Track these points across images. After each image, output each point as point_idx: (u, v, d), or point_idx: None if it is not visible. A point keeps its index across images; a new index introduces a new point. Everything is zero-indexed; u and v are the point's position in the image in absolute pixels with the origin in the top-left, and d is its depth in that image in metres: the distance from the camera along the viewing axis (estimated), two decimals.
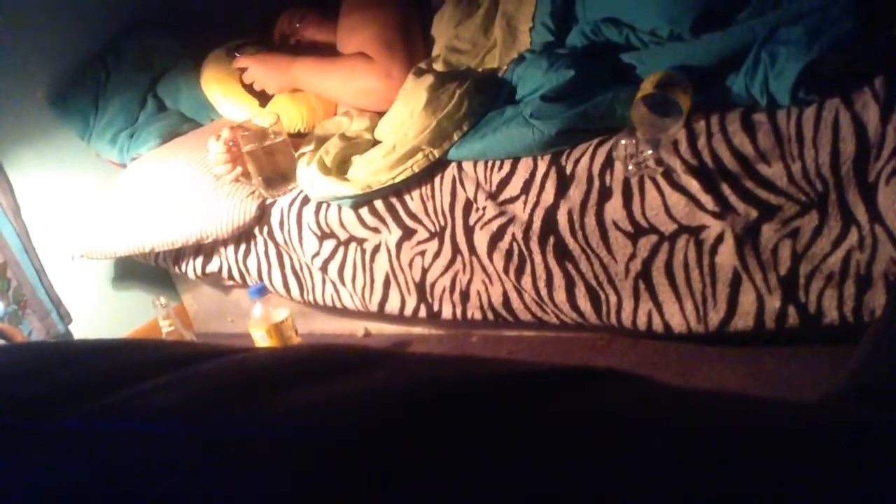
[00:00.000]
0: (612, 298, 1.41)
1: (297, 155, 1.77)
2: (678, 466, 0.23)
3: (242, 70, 1.92)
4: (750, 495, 0.21)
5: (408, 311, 1.72)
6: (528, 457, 0.23)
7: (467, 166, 1.49)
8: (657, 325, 1.38)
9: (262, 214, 1.81)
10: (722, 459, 0.23)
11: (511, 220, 1.44)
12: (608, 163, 1.31)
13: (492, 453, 0.23)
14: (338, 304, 1.84)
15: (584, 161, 1.34)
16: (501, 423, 0.25)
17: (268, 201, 1.81)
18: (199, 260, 2.01)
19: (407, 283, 1.68)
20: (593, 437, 0.25)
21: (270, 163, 1.75)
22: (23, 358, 0.36)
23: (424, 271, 1.63)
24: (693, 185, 1.22)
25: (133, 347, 0.38)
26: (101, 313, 2.33)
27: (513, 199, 1.43)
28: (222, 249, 1.94)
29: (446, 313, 1.66)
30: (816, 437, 0.25)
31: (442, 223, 1.56)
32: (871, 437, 0.25)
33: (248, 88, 1.93)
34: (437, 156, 1.50)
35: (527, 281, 1.48)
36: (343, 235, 1.70)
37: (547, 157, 1.38)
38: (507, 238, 1.46)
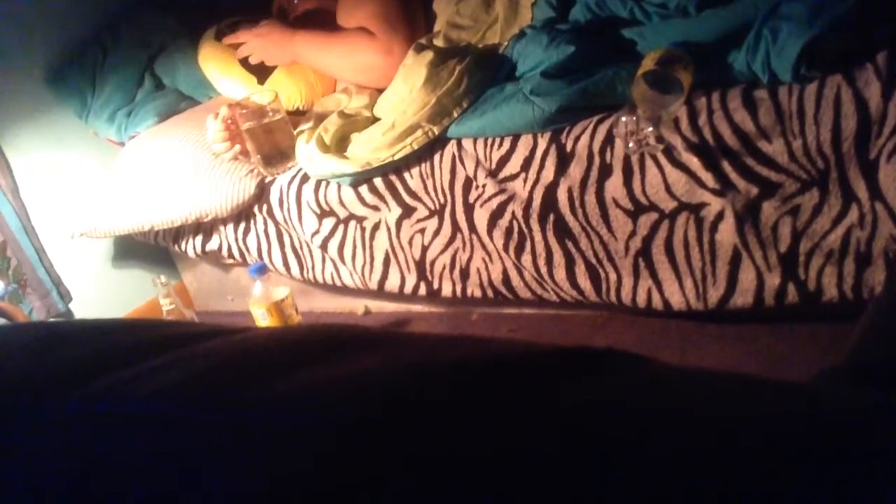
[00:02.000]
0: (612, 276, 1.41)
1: (295, 132, 1.76)
2: (681, 458, 0.23)
3: (238, 45, 1.90)
4: (753, 487, 0.21)
5: (408, 289, 1.72)
6: (527, 450, 0.23)
7: (467, 144, 1.49)
8: (657, 302, 1.38)
9: (262, 193, 1.81)
10: (725, 450, 0.23)
11: (511, 198, 1.44)
12: (609, 140, 1.30)
13: (491, 447, 0.23)
14: (338, 283, 1.85)
15: (585, 138, 1.33)
16: (501, 415, 0.25)
17: (267, 179, 1.80)
18: (199, 238, 2.00)
19: (407, 261, 1.68)
20: (594, 427, 0.24)
21: (269, 140, 1.74)
22: (22, 339, 0.36)
23: (424, 249, 1.63)
24: (694, 163, 1.22)
25: (133, 327, 0.38)
26: (102, 292, 2.33)
27: (513, 177, 1.43)
28: (222, 228, 1.94)
29: (446, 291, 1.66)
30: (819, 425, 0.25)
31: (442, 201, 1.55)
32: (875, 423, 0.25)
33: (246, 65, 1.91)
34: (436, 133, 1.50)
35: (526, 259, 1.48)
36: (342, 213, 1.69)
37: (547, 135, 1.38)
38: (507, 216, 1.46)
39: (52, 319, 2.11)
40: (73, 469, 0.24)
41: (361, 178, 1.60)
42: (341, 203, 1.67)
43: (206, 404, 0.26)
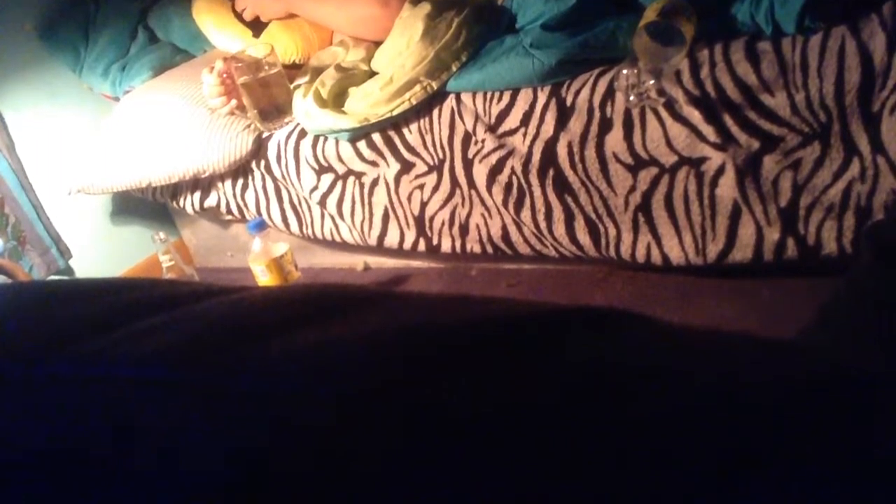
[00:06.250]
0: (612, 231, 1.41)
1: (292, 87, 1.74)
2: (682, 417, 0.23)
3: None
4: (754, 444, 0.21)
5: (407, 245, 1.72)
6: (529, 409, 0.23)
7: (466, 98, 1.47)
8: (656, 257, 1.38)
9: (259, 148, 1.79)
10: (725, 408, 0.23)
11: (510, 153, 1.43)
12: (609, 94, 1.29)
13: (491, 407, 0.23)
14: (337, 239, 1.84)
15: (585, 92, 1.32)
16: (501, 375, 0.25)
17: (264, 135, 1.79)
18: (197, 195, 2.00)
19: (406, 216, 1.67)
20: (595, 386, 0.24)
21: (266, 95, 1.72)
22: (12, 299, 0.36)
23: (423, 205, 1.63)
24: (695, 116, 1.21)
25: (127, 287, 0.38)
26: (101, 249, 2.33)
27: (512, 132, 1.42)
28: (220, 184, 1.93)
29: (445, 247, 1.66)
30: (819, 383, 0.25)
31: (440, 156, 1.54)
32: (872, 381, 0.25)
33: (242, 18, 1.88)
34: (435, 88, 1.48)
35: (526, 214, 1.47)
36: (341, 169, 1.68)
37: (547, 88, 1.36)
38: (507, 171, 1.45)
39: (50, 277, 2.12)
40: (63, 433, 0.24)
41: (360, 134, 1.59)
42: (339, 159, 1.66)
43: (198, 367, 0.26)
